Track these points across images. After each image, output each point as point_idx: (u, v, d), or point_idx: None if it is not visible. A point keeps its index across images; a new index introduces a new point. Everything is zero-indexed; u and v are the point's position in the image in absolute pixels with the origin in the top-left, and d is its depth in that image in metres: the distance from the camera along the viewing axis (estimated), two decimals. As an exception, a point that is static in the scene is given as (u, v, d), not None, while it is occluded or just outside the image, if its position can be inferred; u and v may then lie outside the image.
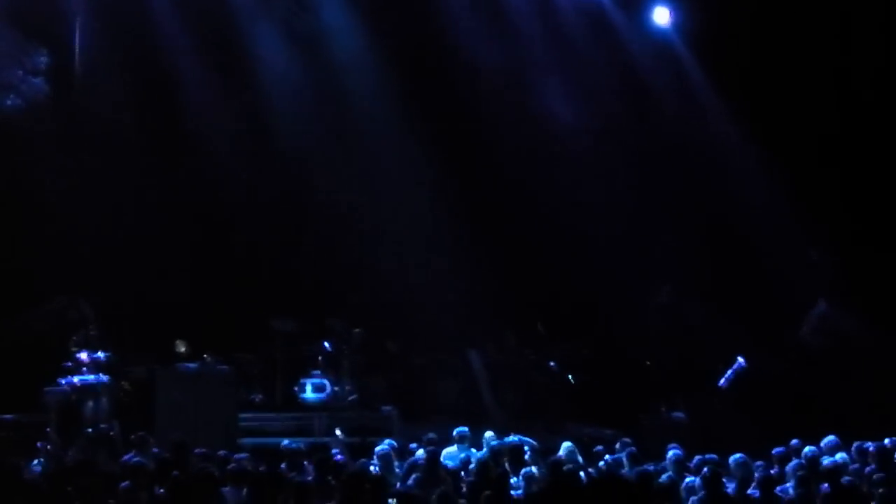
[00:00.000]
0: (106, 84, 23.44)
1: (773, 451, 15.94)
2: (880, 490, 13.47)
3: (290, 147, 24.38)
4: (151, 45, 23.81)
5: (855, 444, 15.95)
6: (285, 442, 16.19)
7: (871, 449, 15.52)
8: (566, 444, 16.74)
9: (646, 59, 25.37)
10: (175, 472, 14.11)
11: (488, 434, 17.22)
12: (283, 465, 15.22)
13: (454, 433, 17.32)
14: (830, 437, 16.32)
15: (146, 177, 23.61)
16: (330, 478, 14.59)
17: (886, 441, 15.82)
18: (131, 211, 23.65)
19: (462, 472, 15.51)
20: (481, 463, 15.36)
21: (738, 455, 15.43)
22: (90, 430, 18.77)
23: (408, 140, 24.28)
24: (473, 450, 16.97)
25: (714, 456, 15.56)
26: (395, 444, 17.13)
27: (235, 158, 24.23)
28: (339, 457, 15.47)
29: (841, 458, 15.70)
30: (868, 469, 14.91)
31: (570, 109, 25.22)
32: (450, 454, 16.74)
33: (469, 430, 17.72)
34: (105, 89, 23.45)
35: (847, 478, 14.69)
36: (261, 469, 14.95)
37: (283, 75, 24.38)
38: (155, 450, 15.97)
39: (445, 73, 25.04)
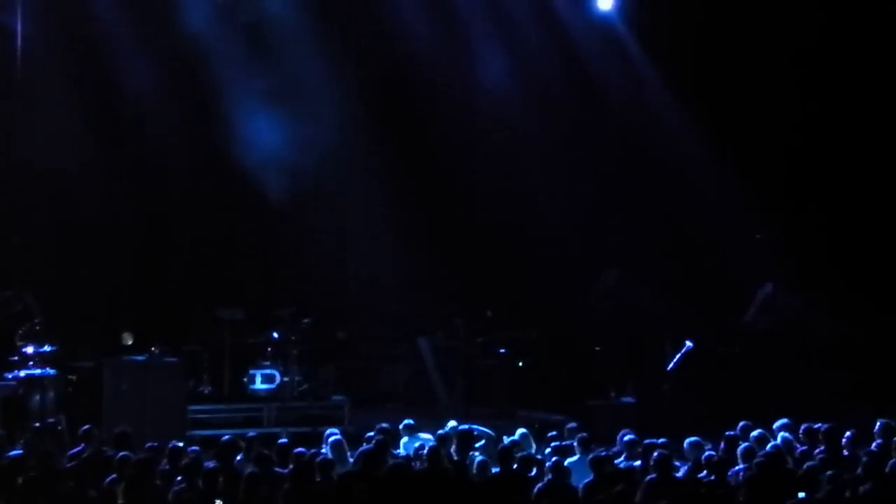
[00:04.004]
0: (48, 69, 23.21)
1: (727, 434, 16.04)
2: (829, 472, 13.56)
3: (234, 135, 24.24)
4: (95, 32, 23.60)
5: (803, 426, 16.06)
6: (225, 437, 16.06)
7: (820, 430, 15.63)
8: (520, 431, 16.81)
9: (589, 44, 25.39)
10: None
11: (451, 423, 17.23)
12: (234, 456, 15.16)
13: (401, 426, 17.27)
14: (783, 420, 16.42)
15: (91, 166, 23.42)
16: (278, 468, 14.54)
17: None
18: (75, 201, 23.45)
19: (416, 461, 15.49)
20: (433, 451, 15.35)
21: (692, 438, 15.52)
22: (37, 423, 18.60)
23: (354, 129, 24.24)
24: (426, 435, 16.96)
25: (663, 440, 15.61)
26: (346, 432, 17.12)
27: (180, 147, 24.05)
28: (298, 449, 15.39)
29: (782, 439, 15.80)
30: (817, 451, 15.02)
31: (514, 96, 25.25)
32: (405, 444, 16.77)
33: (420, 417, 17.71)
34: (47, 75, 23.23)
35: (791, 460, 14.85)
36: (209, 461, 14.89)
37: (225, 62, 24.22)
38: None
39: (386, 62, 25.02)
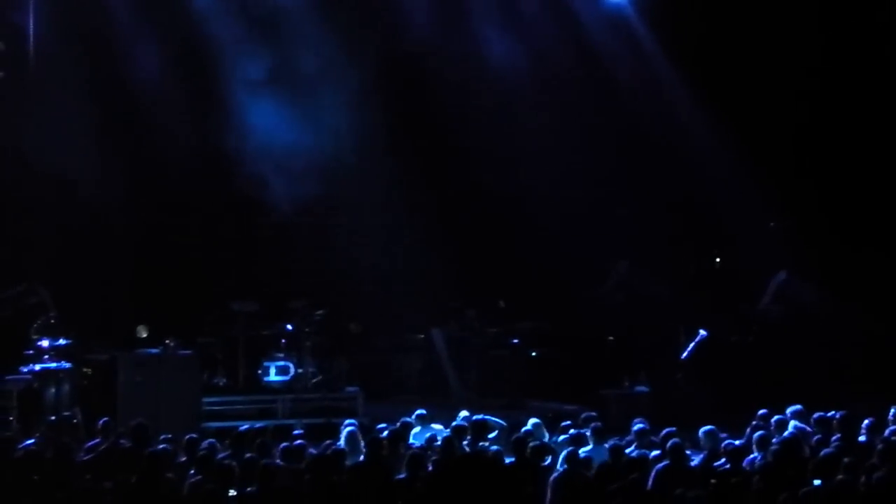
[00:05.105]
0: (60, 68, 23.27)
1: (753, 423, 16.06)
2: (846, 460, 13.54)
3: (247, 129, 24.27)
4: (108, 31, 23.65)
5: (815, 415, 16.04)
6: (244, 426, 16.19)
7: (835, 417, 15.63)
8: (533, 420, 16.83)
9: (600, 33, 25.38)
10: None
11: (462, 413, 17.28)
12: (249, 448, 15.21)
13: (413, 416, 17.32)
14: (796, 406, 16.41)
15: (105, 160, 23.45)
16: (293, 459, 14.57)
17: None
18: (90, 195, 23.48)
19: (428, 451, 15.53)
20: (446, 441, 15.40)
21: (706, 426, 15.51)
22: (53, 416, 18.67)
23: (367, 122, 24.23)
24: (438, 426, 17.01)
25: (671, 429, 15.62)
26: (359, 423, 17.18)
27: (193, 141, 24.08)
28: (299, 441, 15.43)
29: (796, 427, 15.79)
30: (833, 438, 15.02)
31: (524, 86, 25.23)
32: (415, 434, 16.80)
33: (433, 408, 17.78)
34: (59, 73, 23.27)
35: (807, 448, 14.85)
36: (224, 453, 14.95)
37: (237, 58, 24.23)
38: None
39: (395, 54, 24.97)
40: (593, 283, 24.84)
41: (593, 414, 17.27)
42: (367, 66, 24.60)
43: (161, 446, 14.58)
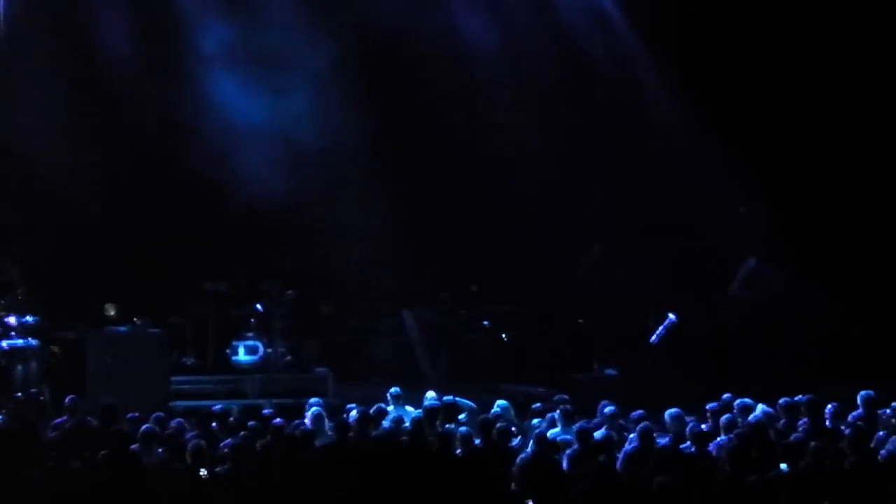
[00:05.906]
0: (32, 50, 23.14)
1: (708, 406, 16.07)
2: (812, 444, 13.59)
3: (219, 106, 24.17)
4: (80, 10, 23.54)
5: (782, 400, 16.08)
6: (217, 406, 16.21)
7: (802, 402, 15.68)
8: (500, 402, 16.84)
9: (576, 18, 25.36)
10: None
11: (430, 394, 17.30)
12: (218, 427, 15.21)
13: (388, 394, 17.37)
14: (744, 399, 16.39)
15: (75, 139, 23.35)
16: (262, 439, 14.55)
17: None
18: (60, 173, 23.36)
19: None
20: (416, 422, 15.42)
21: (672, 409, 15.56)
22: (20, 394, 18.61)
23: (338, 102, 24.16)
24: (409, 408, 17.03)
25: (640, 412, 15.68)
26: (328, 404, 17.19)
27: (164, 121, 23.98)
28: (276, 420, 15.43)
29: (763, 411, 15.85)
30: (801, 422, 15.08)
31: (500, 70, 25.20)
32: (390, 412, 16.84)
33: (403, 390, 17.81)
34: (31, 55, 23.15)
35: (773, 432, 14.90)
36: (192, 432, 14.92)
37: (212, 39, 24.13)
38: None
39: (368, 33, 24.88)
40: (566, 267, 24.82)
41: (565, 396, 17.30)
42: (339, 47, 24.51)
43: (146, 426, 14.51)
